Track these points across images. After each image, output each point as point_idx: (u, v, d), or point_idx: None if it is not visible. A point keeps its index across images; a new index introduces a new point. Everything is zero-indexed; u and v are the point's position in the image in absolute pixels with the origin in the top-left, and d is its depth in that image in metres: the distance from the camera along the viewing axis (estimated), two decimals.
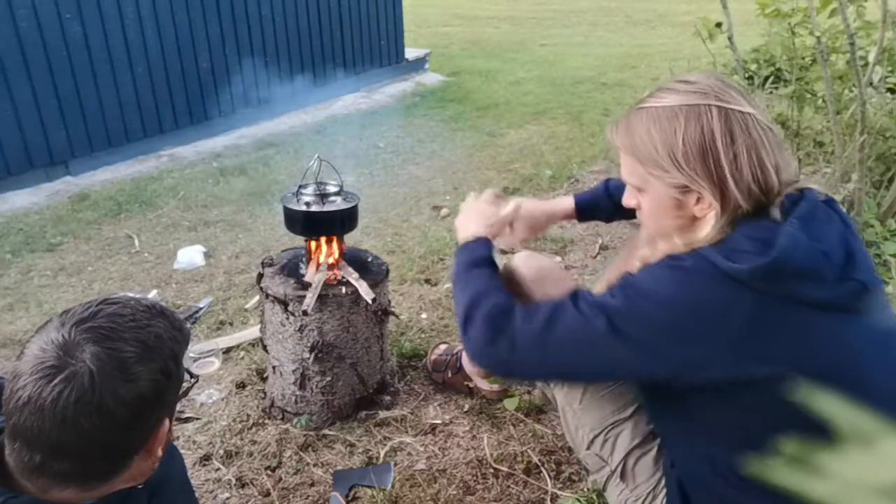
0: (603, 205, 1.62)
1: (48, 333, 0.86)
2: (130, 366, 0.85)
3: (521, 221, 1.54)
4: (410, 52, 6.76)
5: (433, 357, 2.14)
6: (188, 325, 0.99)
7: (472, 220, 1.40)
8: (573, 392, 1.41)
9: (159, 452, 0.94)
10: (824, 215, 1.04)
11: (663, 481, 1.31)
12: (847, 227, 1.06)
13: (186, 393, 1.01)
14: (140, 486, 0.97)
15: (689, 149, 1.02)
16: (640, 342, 1.02)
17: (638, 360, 1.03)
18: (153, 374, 0.87)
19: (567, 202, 1.65)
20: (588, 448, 1.40)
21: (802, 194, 1.05)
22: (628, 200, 1.17)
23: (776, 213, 1.02)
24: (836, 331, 1.00)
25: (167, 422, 0.93)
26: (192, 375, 1.03)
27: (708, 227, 1.05)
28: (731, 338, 0.98)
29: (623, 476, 1.35)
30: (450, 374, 2.07)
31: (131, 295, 0.95)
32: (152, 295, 2.64)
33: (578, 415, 1.41)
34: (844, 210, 2.63)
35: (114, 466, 0.89)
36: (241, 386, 2.12)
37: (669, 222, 1.10)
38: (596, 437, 1.38)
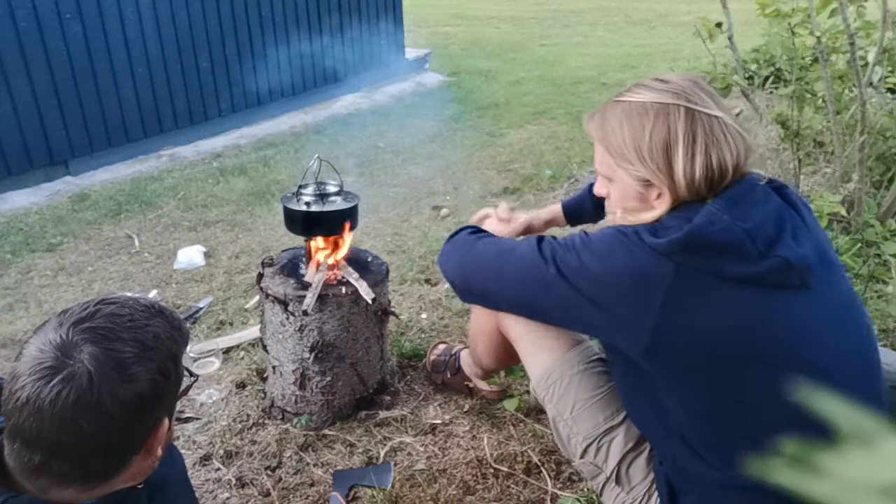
0: (588, 207, 1.77)
1: (46, 334, 0.85)
2: (129, 366, 0.85)
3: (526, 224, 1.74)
4: (410, 52, 6.76)
5: (432, 358, 2.14)
6: (187, 325, 0.99)
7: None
8: (563, 402, 1.41)
9: (159, 452, 0.94)
10: (760, 196, 1.10)
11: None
12: (790, 208, 1.12)
13: (186, 392, 1.01)
14: (140, 486, 0.97)
15: (654, 145, 1.09)
16: (582, 293, 1.14)
17: (579, 304, 1.15)
18: (152, 374, 0.87)
19: (556, 208, 1.82)
20: (582, 457, 1.40)
21: (743, 177, 1.11)
22: (599, 189, 1.26)
23: (710, 198, 1.10)
24: (764, 307, 1.06)
25: (167, 421, 0.93)
26: (191, 374, 1.03)
27: (655, 214, 1.13)
28: (655, 302, 1.07)
29: (618, 480, 1.36)
30: (449, 375, 2.07)
31: (130, 294, 0.96)
32: (152, 295, 2.64)
33: (570, 424, 1.41)
34: (844, 210, 2.61)
35: (113, 466, 0.89)
36: (241, 386, 2.12)
37: (631, 204, 1.17)
38: (589, 445, 1.38)
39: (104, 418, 0.83)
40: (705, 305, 1.05)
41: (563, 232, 1.80)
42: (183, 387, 0.98)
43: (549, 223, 1.81)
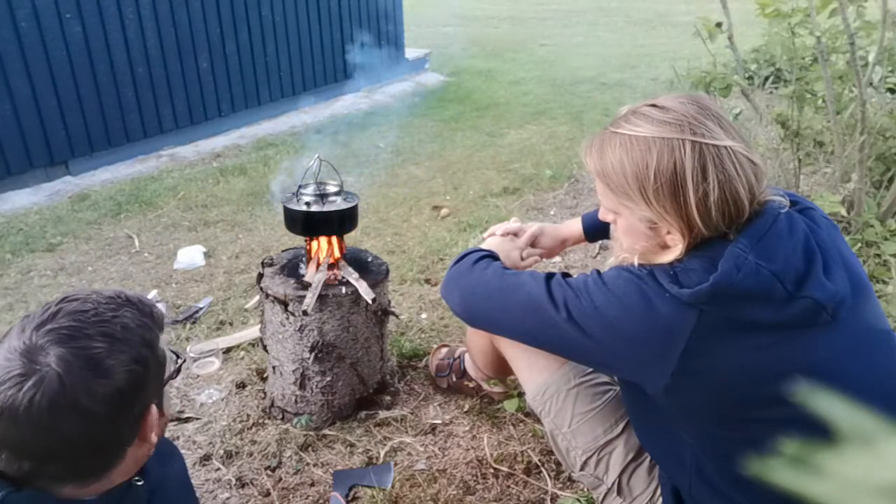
0: (609, 226, 1.67)
1: (10, 341, 0.84)
2: (100, 361, 0.84)
3: (545, 237, 1.67)
4: (410, 52, 6.76)
5: (435, 362, 2.12)
6: (160, 308, 0.98)
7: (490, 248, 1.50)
8: (561, 416, 1.40)
9: (154, 438, 0.93)
10: (785, 227, 1.02)
11: (659, 489, 1.31)
12: (816, 234, 1.05)
13: (176, 374, 1.00)
14: (140, 483, 0.97)
15: (661, 185, 1.01)
16: (596, 338, 1.09)
17: (592, 348, 1.10)
18: (127, 366, 0.86)
19: (576, 227, 1.71)
20: (582, 469, 1.40)
21: (763, 208, 1.04)
22: (604, 215, 1.19)
23: (732, 233, 1.03)
24: (790, 348, 1.01)
25: (154, 408, 0.92)
26: (177, 356, 1.02)
27: (674, 255, 1.06)
28: (676, 350, 1.01)
29: (620, 491, 1.36)
30: (454, 379, 2.06)
31: (92, 289, 0.94)
32: (152, 295, 2.64)
33: (568, 438, 1.40)
34: (844, 210, 2.60)
35: (107, 460, 0.89)
36: (241, 386, 2.12)
37: (641, 245, 1.10)
38: (589, 458, 1.38)
39: (85, 417, 0.82)
40: (729, 350, 1.01)
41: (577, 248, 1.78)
42: (170, 370, 0.97)
43: (566, 241, 1.72)
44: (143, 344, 0.89)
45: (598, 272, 1.13)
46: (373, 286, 1.86)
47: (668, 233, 1.06)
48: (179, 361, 1.02)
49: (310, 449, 1.87)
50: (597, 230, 1.69)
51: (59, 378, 0.81)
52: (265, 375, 2.09)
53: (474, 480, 1.76)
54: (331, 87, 5.74)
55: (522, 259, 1.57)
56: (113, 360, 0.85)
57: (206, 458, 1.83)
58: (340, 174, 1.96)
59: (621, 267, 1.10)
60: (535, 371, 1.43)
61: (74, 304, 0.87)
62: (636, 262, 1.09)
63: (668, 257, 1.07)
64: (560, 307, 1.11)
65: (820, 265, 1.01)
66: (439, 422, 1.97)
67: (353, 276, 1.88)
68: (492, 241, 1.56)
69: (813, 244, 1.03)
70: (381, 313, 1.96)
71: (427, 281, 2.75)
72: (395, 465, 1.81)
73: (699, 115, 1.03)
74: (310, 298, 1.80)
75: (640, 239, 1.09)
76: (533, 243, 1.64)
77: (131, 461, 0.92)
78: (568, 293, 1.12)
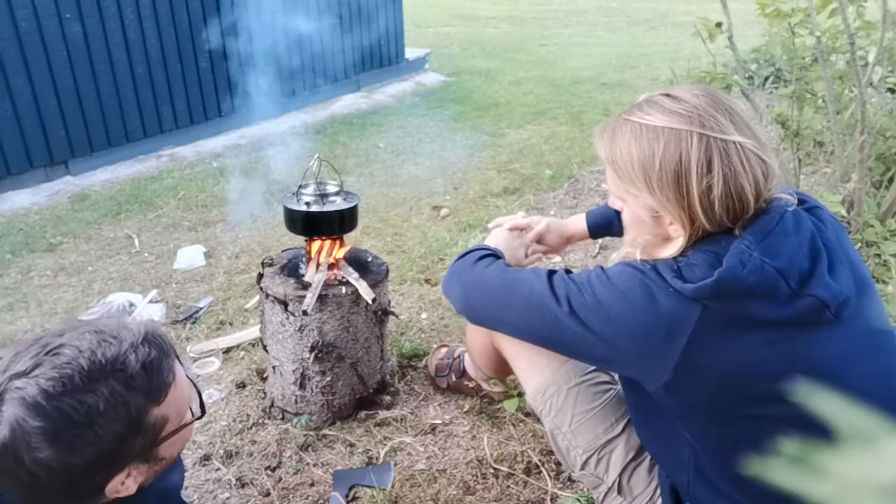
0: (613, 223, 1.68)
1: None
2: (49, 439, 0.81)
3: (551, 235, 1.68)
4: (410, 52, 6.76)
5: (435, 362, 2.12)
6: (168, 367, 0.93)
7: (495, 244, 1.50)
8: (561, 416, 1.40)
9: (126, 491, 0.91)
10: (791, 225, 1.02)
11: (659, 489, 1.32)
12: (822, 233, 1.05)
13: (199, 416, 1.00)
14: (147, 485, 0.96)
15: (665, 174, 1.02)
16: (598, 333, 1.08)
17: (594, 343, 1.10)
18: (73, 450, 0.83)
19: (580, 225, 1.72)
20: (582, 469, 1.39)
21: (770, 205, 1.04)
22: (613, 203, 1.20)
23: (738, 229, 1.03)
24: (792, 346, 1.01)
25: (118, 477, 0.89)
26: (202, 410, 1.01)
27: (676, 247, 1.07)
28: (678, 345, 1.01)
29: (620, 490, 1.36)
30: (454, 378, 2.06)
31: (91, 339, 0.87)
32: (152, 295, 2.64)
33: (569, 437, 1.40)
34: (844, 210, 2.60)
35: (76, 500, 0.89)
36: (241, 386, 2.12)
37: (645, 236, 1.11)
38: (589, 458, 1.37)
39: (28, 475, 0.82)
40: (731, 346, 1.01)
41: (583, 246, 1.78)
42: (166, 429, 0.93)
43: (571, 239, 1.72)
44: (114, 421, 0.85)
45: (602, 268, 1.13)
46: (373, 286, 1.86)
47: (671, 223, 1.06)
48: (195, 415, 1.00)
49: (310, 449, 1.87)
50: (600, 227, 1.70)
51: (3, 442, 0.81)
52: (265, 375, 2.09)
53: (474, 480, 1.76)
54: (330, 87, 5.74)
55: (526, 257, 1.57)
56: (60, 443, 0.81)
57: (206, 458, 1.83)
58: (340, 174, 1.96)
59: (625, 262, 1.11)
60: (535, 370, 1.43)
61: (60, 361, 0.84)
62: (639, 257, 1.10)
63: (670, 250, 1.07)
64: (562, 301, 1.11)
65: (825, 264, 1.01)
66: (439, 422, 1.97)
67: (353, 276, 1.88)
68: (497, 234, 1.56)
69: (819, 243, 1.03)
70: (381, 313, 1.96)
71: (427, 281, 2.75)
72: (395, 465, 1.81)
73: (711, 108, 1.03)
74: (310, 298, 1.80)
75: (644, 229, 1.10)
76: (538, 240, 1.64)
77: (111, 497, 0.91)
78: (570, 287, 1.12)
